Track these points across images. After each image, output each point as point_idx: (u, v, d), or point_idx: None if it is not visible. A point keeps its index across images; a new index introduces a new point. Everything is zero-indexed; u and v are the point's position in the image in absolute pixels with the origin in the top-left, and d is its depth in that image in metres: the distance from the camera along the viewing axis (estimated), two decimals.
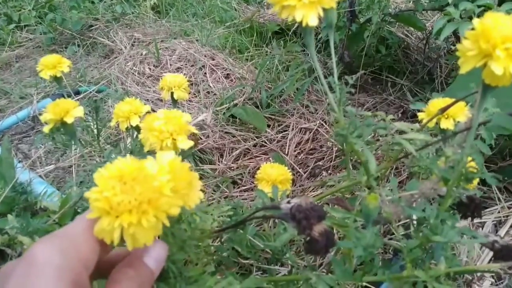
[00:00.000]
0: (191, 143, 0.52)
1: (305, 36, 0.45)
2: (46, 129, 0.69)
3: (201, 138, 1.46)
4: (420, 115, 0.60)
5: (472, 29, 0.33)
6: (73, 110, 0.68)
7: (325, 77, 0.51)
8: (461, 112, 0.54)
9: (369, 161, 0.44)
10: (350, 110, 0.45)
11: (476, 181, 0.64)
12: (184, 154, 0.83)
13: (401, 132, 0.50)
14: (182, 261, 0.42)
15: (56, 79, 0.91)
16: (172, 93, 0.85)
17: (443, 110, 0.52)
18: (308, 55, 1.88)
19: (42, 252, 0.30)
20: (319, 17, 0.41)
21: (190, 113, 1.57)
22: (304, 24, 0.40)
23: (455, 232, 0.40)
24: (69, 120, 0.67)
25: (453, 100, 0.52)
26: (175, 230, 0.41)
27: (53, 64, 0.89)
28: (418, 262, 0.47)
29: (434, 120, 0.55)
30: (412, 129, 0.47)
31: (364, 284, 0.50)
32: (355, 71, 1.76)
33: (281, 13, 0.40)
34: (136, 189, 0.31)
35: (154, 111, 0.84)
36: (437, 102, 0.56)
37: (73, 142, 0.74)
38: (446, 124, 0.55)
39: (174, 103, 0.88)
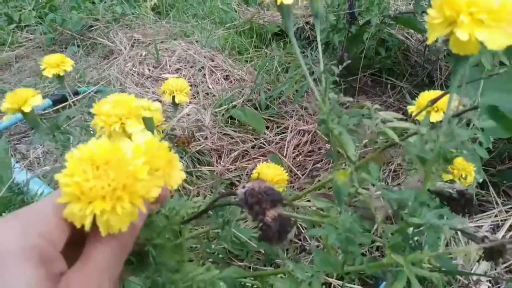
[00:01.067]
0: (141, 127, 0.49)
1: (283, 16, 0.44)
2: (5, 118, 0.68)
3: (199, 140, 1.46)
4: (410, 108, 0.59)
5: None
6: (31, 99, 0.66)
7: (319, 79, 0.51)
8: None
9: (347, 144, 0.43)
10: (333, 97, 0.45)
11: (471, 179, 0.63)
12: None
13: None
14: (160, 247, 0.41)
15: (59, 77, 0.92)
16: (173, 97, 0.86)
17: (433, 102, 0.51)
18: (307, 57, 1.88)
19: (2, 236, 0.30)
20: (321, 21, 0.40)
21: (189, 114, 1.57)
22: (279, 2, 0.39)
23: (432, 214, 0.38)
24: (26, 109, 0.66)
25: (443, 92, 0.51)
26: (153, 218, 0.40)
27: (57, 63, 0.90)
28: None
29: (424, 114, 0.54)
30: (398, 119, 0.46)
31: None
32: (354, 73, 1.76)
33: None
34: (109, 174, 0.30)
35: None
36: (427, 95, 0.55)
37: (39, 133, 0.72)
38: (436, 117, 0.54)
39: (175, 106, 0.88)
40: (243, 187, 0.36)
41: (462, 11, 0.31)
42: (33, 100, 0.67)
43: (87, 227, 0.30)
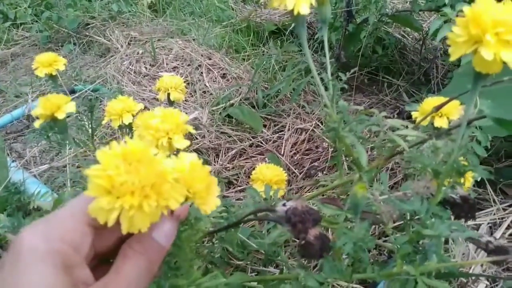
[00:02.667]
0: (187, 142, 0.51)
1: (297, 26, 0.45)
2: (36, 124, 0.68)
3: (196, 138, 1.45)
4: (414, 114, 0.60)
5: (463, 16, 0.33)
6: (64, 106, 0.67)
7: (319, 75, 0.51)
8: (455, 111, 0.54)
9: (360, 154, 0.43)
10: (343, 105, 0.45)
11: (470, 182, 0.63)
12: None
13: (395, 130, 0.49)
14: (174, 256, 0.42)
15: (52, 77, 0.91)
16: (168, 94, 0.85)
17: (438, 108, 0.51)
18: (305, 55, 1.88)
19: (27, 239, 0.30)
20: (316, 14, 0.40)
21: (186, 113, 1.56)
22: (295, 13, 0.40)
23: (445, 226, 0.39)
24: (60, 115, 0.66)
25: (447, 98, 0.52)
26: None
27: (49, 62, 0.89)
28: (412, 263, 0.46)
29: (428, 119, 0.54)
30: (405, 126, 0.46)
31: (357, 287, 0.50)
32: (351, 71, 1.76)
33: (273, 2, 0.40)
34: (140, 171, 0.30)
35: (149, 110, 0.83)
36: (431, 101, 0.56)
37: (66, 140, 0.73)
38: (440, 122, 0.54)
39: (171, 103, 0.88)
40: (284, 205, 0.38)
41: (488, 31, 0.31)
42: (67, 107, 0.68)
43: (111, 222, 0.30)
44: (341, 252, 0.50)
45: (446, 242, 0.93)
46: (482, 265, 0.86)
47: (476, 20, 0.31)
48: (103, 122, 0.76)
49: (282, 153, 1.46)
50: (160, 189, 0.31)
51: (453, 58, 0.34)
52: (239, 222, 0.45)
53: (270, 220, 0.40)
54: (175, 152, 0.53)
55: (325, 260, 0.44)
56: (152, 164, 0.31)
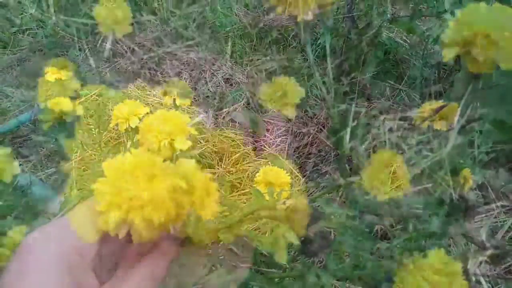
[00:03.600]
0: (189, 143, 0.52)
1: (300, 31, 0.46)
2: (45, 127, 0.70)
3: (200, 142, 1.47)
4: (414, 117, 0.61)
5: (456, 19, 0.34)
6: (73, 109, 0.68)
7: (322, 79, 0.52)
8: (455, 114, 0.55)
9: (360, 156, 0.44)
10: (345, 108, 0.46)
11: (470, 184, 0.64)
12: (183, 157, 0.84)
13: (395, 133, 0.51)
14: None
15: (61, 82, 0.92)
16: (174, 99, 0.87)
17: (437, 111, 0.52)
18: (307, 60, 1.89)
19: (35, 241, 0.31)
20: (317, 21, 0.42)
21: (190, 117, 1.58)
22: (299, 19, 0.41)
23: (441, 222, 0.40)
24: (68, 118, 0.68)
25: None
26: None
27: (59, 68, 0.90)
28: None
29: (427, 122, 0.56)
30: (405, 129, 0.47)
31: None
32: (353, 76, 1.77)
33: (277, 8, 0.41)
34: (149, 184, 0.30)
35: None
36: (431, 104, 0.57)
37: (73, 143, 0.74)
38: (439, 125, 0.55)
39: (176, 108, 0.89)
40: (284, 203, 0.38)
41: (480, 33, 0.32)
42: (75, 110, 0.71)
43: (122, 235, 0.30)
44: (342, 249, 0.51)
45: (448, 245, 0.94)
46: (481, 264, 0.86)
47: (468, 23, 0.33)
48: (110, 126, 0.77)
49: (285, 157, 1.47)
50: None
51: (446, 59, 0.35)
52: (242, 221, 0.45)
53: (270, 219, 0.41)
54: (177, 153, 0.53)
55: (326, 257, 0.45)
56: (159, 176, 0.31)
